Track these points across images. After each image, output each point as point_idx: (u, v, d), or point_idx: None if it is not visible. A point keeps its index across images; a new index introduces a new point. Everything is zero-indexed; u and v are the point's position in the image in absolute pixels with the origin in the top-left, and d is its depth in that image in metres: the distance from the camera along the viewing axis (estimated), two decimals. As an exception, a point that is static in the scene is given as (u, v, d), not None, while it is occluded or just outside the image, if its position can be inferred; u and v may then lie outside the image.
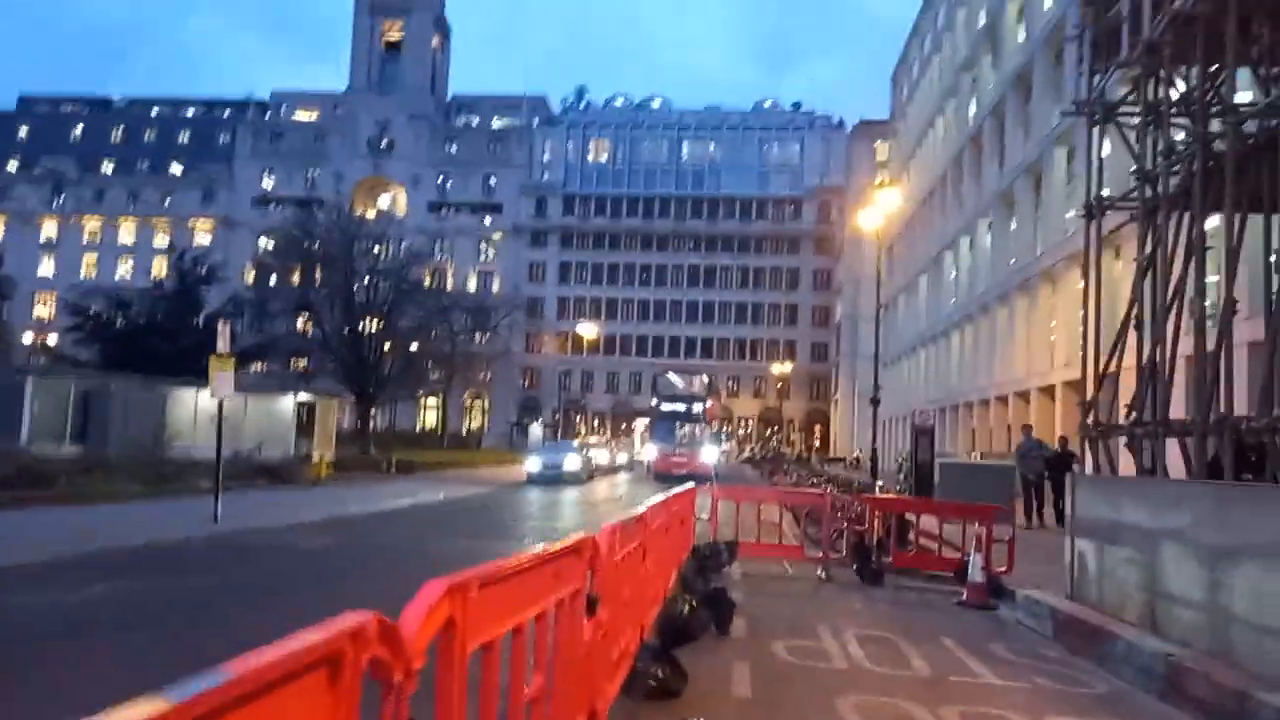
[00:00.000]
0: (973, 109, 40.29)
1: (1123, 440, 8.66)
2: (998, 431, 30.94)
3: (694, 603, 6.23)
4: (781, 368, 76.19)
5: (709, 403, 37.92)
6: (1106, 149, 10.36)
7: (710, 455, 34.38)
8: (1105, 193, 9.62)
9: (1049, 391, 28.04)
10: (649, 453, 37.78)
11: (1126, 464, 8.86)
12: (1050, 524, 16.01)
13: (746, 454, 67.24)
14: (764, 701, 5.54)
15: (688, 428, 35.93)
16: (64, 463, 18.59)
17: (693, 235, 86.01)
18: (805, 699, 5.62)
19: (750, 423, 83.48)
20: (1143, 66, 8.54)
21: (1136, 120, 9.04)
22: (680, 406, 36.72)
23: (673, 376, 41.57)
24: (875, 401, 24.08)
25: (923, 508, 13.13)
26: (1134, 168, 8.53)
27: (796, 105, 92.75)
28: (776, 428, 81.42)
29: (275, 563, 11.42)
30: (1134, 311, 8.22)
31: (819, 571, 11.05)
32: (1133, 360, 8.42)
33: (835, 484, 19.15)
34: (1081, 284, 26.29)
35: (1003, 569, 10.44)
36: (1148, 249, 8.26)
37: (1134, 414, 8.14)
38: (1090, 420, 8.67)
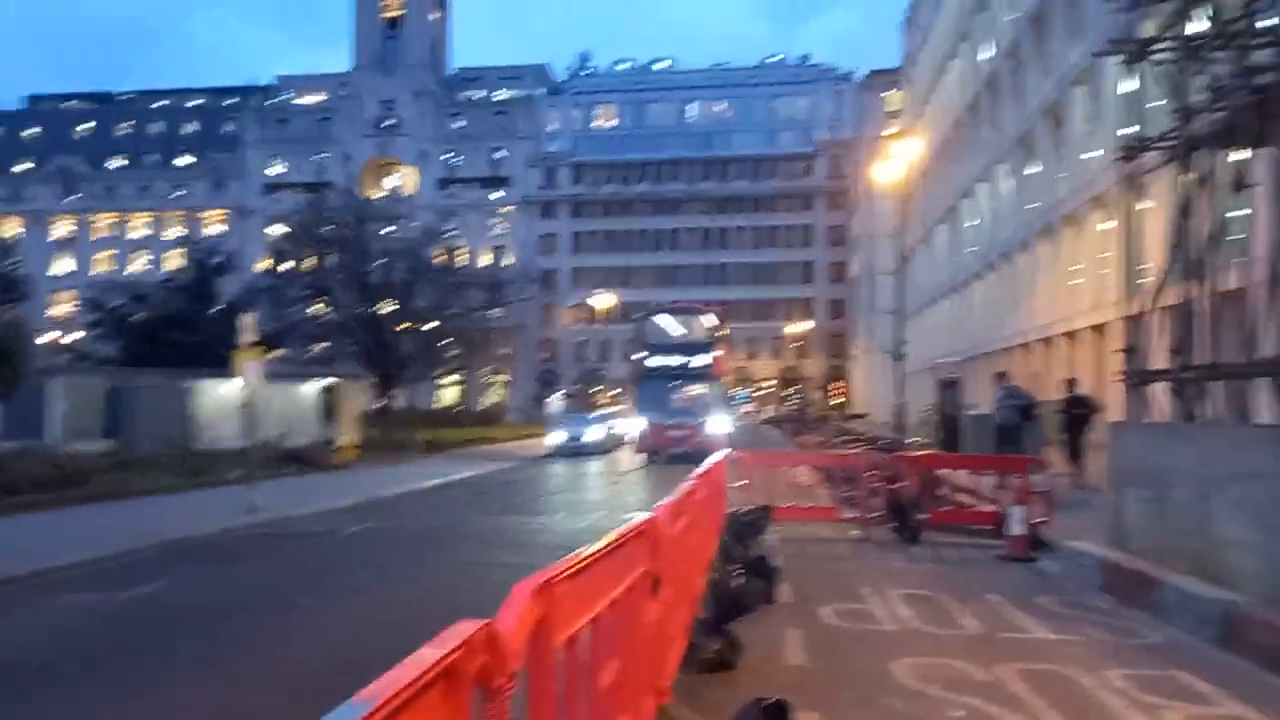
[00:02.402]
0: (987, 52, 39.50)
1: (1163, 385, 8.54)
2: (1023, 380, 30.68)
3: (743, 573, 6.23)
4: (799, 326, 75.85)
5: (717, 351, 27.81)
6: (1133, 86, 10.10)
7: (721, 424, 25.98)
8: (1128, 130, 9.40)
9: (1074, 336, 27.76)
10: (636, 425, 28.02)
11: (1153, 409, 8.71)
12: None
13: (767, 415, 67.19)
14: (819, 668, 5.55)
15: (689, 388, 27.10)
16: (96, 459, 18.75)
17: (704, 197, 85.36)
18: (860, 663, 5.63)
19: (770, 383, 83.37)
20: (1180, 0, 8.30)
21: (1168, 57, 8.81)
22: (676, 360, 27.33)
23: (664, 319, 30.00)
24: (899, 356, 23.91)
25: (956, 462, 13.07)
26: (1172, 106, 8.33)
27: (804, 58, 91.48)
28: (797, 387, 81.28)
29: (319, 549, 11.56)
30: (1174, 252, 8.06)
31: (855, 532, 11.06)
32: (1171, 303, 8.29)
33: (865, 442, 19.11)
34: (1105, 226, 25.84)
35: (1041, 520, 10.41)
36: (1187, 188, 8.09)
37: (1178, 358, 8.02)
38: (1132, 365, 8.55)
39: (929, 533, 10.84)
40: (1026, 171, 33.74)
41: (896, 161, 25.86)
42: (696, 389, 27.00)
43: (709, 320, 29.14)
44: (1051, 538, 9.65)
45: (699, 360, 27.21)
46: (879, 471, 12.47)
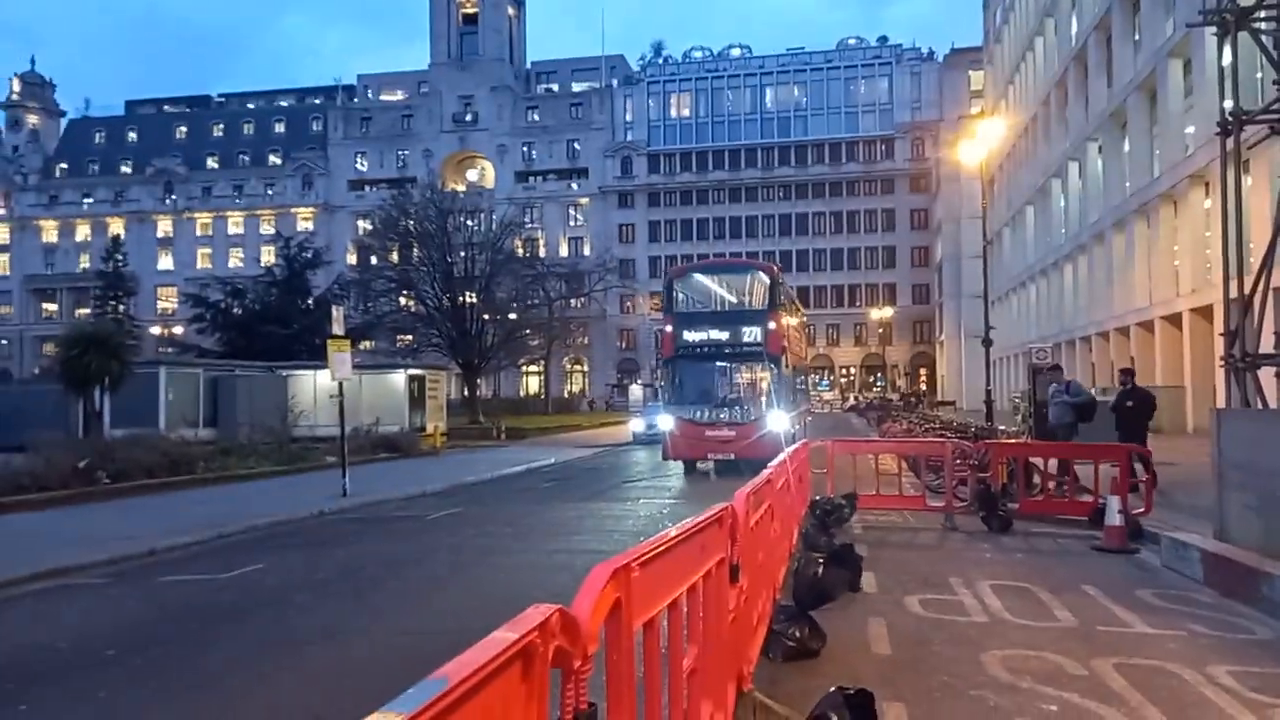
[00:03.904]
0: (1074, 26, 37.98)
1: (1270, 370, 8.10)
2: (1120, 365, 29.53)
3: (825, 561, 6.15)
4: (881, 312, 74.44)
5: (774, 321, 18.86)
6: (1228, 58, 9.51)
7: (779, 420, 18.08)
8: (1228, 104, 8.85)
9: (1175, 320, 26.55)
10: (664, 421, 19.43)
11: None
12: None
13: (850, 402, 66.17)
14: (906, 659, 5.43)
15: (737, 372, 20.30)
16: (200, 446, 19.67)
17: (781, 183, 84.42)
18: (948, 654, 5.49)
19: (853, 370, 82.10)
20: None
21: (1268, 26, 8.32)
22: (720, 333, 19.19)
23: (702, 278, 21.98)
24: (987, 342, 23.19)
25: (1049, 450, 12.63)
26: (1275, 77, 7.85)
27: (883, 39, 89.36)
28: (880, 374, 79.85)
29: (408, 533, 11.86)
30: (1282, 231, 7.62)
31: (943, 521, 10.81)
32: (1278, 284, 7.84)
33: (952, 430, 18.63)
34: (1207, 204, 24.63)
35: (1139, 510, 10.01)
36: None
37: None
38: (1235, 350, 8.12)
39: (1020, 522, 10.53)
40: (1119, 148, 32.39)
41: (981, 142, 25.00)
42: (747, 373, 20.16)
43: (763, 278, 20.37)
44: (1151, 528, 9.27)
45: (750, 333, 18.92)
46: (967, 459, 12.18)
